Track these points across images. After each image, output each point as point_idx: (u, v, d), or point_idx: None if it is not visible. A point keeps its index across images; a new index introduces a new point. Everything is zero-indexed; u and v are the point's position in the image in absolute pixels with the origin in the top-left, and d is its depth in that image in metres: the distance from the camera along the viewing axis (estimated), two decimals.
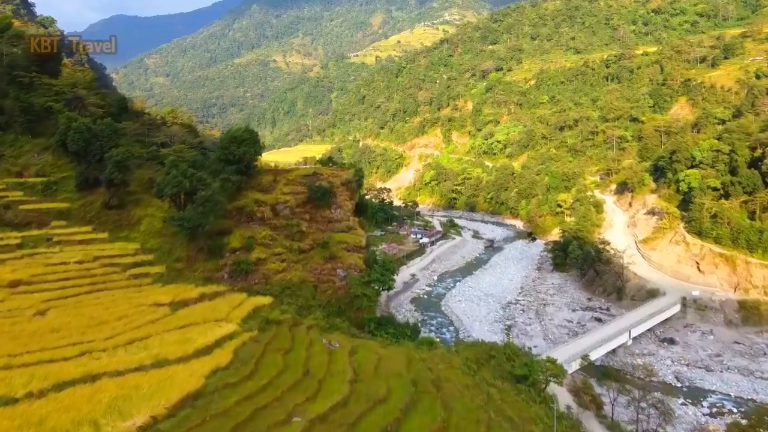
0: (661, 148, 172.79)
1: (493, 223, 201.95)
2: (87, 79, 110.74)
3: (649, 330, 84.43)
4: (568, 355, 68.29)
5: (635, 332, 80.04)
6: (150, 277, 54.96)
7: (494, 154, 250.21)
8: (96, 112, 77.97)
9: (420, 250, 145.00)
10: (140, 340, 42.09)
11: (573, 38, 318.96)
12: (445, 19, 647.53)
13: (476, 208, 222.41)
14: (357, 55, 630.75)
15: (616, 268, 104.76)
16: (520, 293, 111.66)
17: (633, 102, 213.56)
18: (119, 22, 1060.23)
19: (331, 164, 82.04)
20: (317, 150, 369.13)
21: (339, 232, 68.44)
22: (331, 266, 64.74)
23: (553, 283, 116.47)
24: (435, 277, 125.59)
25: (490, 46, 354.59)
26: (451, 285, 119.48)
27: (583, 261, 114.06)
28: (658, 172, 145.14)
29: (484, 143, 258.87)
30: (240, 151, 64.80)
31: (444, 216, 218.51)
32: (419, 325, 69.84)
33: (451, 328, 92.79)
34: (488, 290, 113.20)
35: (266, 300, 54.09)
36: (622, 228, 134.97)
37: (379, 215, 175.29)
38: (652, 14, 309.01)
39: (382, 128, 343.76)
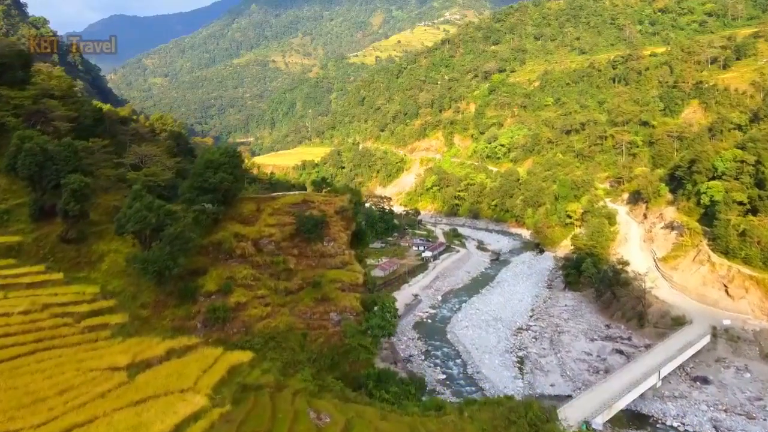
0: (675, 154, 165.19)
1: (497, 231, 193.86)
2: (63, 87, 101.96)
3: (678, 366, 76.21)
4: (594, 404, 60.21)
5: (665, 371, 71.85)
6: (109, 328, 46.68)
7: (498, 158, 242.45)
8: (62, 127, 69.70)
9: (422, 266, 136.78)
10: (83, 425, 33.93)
11: (578, 38, 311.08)
12: (446, 18, 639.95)
13: (480, 215, 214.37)
14: (357, 55, 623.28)
15: (637, 292, 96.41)
16: (531, 317, 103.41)
17: (642, 105, 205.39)
18: (118, 22, 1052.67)
19: (324, 185, 73.74)
20: (316, 153, 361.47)
21: (333, 269, 59.75)
22: (324, 309, 56.28)
23: (566, 305, 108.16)
24: (439, 297, 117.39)
25: (493, 47, 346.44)
26: (457, 306, 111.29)
27: (599, 282, 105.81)
28: (675, 182, 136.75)
29: (487, 147, 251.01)
30: (216, 179, 56.12)
31: (447, 224, 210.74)
32: (424, 379, 61.52)
33: (458, 361, 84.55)
34: (496, 313, 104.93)
35: (245, 356, 45.89)
36: (638, 243, 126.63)
37: (379, 225, 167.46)
38: (659, 14, 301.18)
39: (382, 131, 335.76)
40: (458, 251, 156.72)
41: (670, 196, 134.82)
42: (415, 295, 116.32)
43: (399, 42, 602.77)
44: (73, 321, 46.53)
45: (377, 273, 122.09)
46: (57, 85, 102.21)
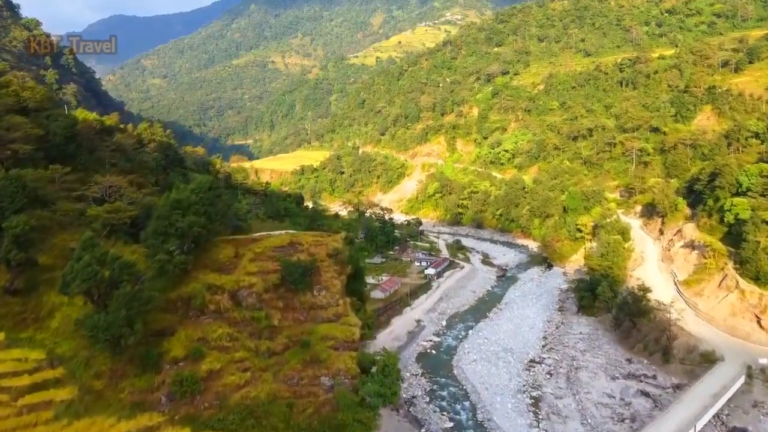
0: (690, 163, 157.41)
1: (503, 243, 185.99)
2: (38, 98, 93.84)
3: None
4: None
5: (700, 425, 64.04)
6: (53, 407, 38.94)
7: (502, 164, 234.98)
8: (21, 151, 61.88)
9: (426, 285, 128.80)
10: None
11: (583, 40, 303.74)
12: (447, 18, 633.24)
13: (484, 225, 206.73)
14: (357, 56, 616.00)
15: (660, 323, 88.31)
16: (544, 347, 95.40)
17: (652, 110, 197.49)
18: (118, 22, 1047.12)
19: (317, 206, 65.91)
20: (315, 157, 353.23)
21: (324, 323, 51.73)
22: (313, 373, 48.21)
23: (581, 333, 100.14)
24: (443, 322, 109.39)
25: (496, 48, 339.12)
26: (463, 333, 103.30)
27: (617, 308, 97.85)
28: (693, 195, 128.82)
29: (490, 152, 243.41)
30: (185, 222, 47.74)
31: (450, 234, 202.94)
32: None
33: (467, 404, 76.55)
34: (506, 343, 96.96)
35: None
36: (656, 262, 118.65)
37: (379, 239, 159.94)
38: (666, 15, 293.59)
39: (382, 134, 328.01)
40: (462, 267, 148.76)
41: (688, 211, 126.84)
42: (418, 321, 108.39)
43: (400, 43, 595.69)
44: (10, 398, 38.72)
45: (377, 294, 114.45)
46: (30, 96, 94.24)
